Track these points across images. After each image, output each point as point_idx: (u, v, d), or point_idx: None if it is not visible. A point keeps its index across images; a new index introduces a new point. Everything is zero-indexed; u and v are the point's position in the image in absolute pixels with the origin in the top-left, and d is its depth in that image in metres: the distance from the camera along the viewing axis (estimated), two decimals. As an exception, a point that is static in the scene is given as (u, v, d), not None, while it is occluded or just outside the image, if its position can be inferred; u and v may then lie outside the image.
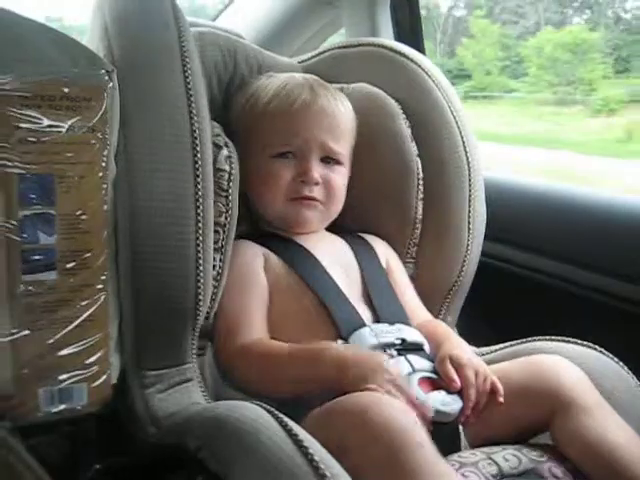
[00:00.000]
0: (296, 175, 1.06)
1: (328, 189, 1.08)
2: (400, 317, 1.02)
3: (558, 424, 0.88)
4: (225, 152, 0.97)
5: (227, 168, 0.97)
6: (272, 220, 1.10)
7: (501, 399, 0.90)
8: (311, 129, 1.07)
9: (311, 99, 1.07)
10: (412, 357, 0.94)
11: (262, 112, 1.08)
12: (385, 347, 0.94)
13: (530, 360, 0.97)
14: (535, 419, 0.91)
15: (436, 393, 0.90)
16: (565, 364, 0.94)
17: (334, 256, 1.08)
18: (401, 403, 0.82)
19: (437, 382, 0.92)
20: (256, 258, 1.03)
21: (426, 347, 0.98)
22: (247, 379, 0.95)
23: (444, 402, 0.89)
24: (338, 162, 1.10)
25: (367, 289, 1.06)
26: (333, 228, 1.16)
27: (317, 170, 1.07)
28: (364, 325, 0.97)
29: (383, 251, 1.16)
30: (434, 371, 0.94)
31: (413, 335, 0.98)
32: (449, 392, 0.91)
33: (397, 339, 0.95)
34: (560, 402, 0.88)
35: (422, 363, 0.94)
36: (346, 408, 0.80)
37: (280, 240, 1.08)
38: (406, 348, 0.95)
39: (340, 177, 1.11)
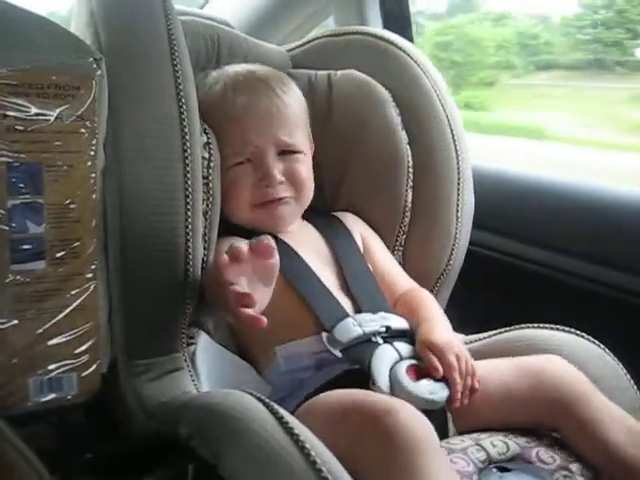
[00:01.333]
0: (257, 180, 1.03)
1: (294, 182, 1.05)
2: (381, 305, 1.02)
3: (566, 428, 0.88)
4: (204, 138, 0.95)
5: (206, 155, 0.95)
6: (244, 225, 1.06)
7: (477, 385, 0.90)
8: (260, 133, 1.03)
9: (252, 101, 1.04)
10: (398, 344, 0.94)
11: (211, 119, 1.01)
12: (371, 335, 0.94)
13: (527, 367, 0.94)
14: (534, 422, 0.91)
15: (424, 381, 0.90)
16: (564, 370, 0.92)
17: (310, 246, 1.07)
18: (414, 409, 0.79)
19: (425, 369, 0.92)
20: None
21: (409, 333, 0.98)
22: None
23: (432, 390, 0.89)
24: (296, 152, 1.07)
25: (345, 278, 1.04)
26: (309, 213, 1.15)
27: (277, 168, 1.03)
28: (347, 316, 0.96)
29: (358, 229, 1.15)
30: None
31: (398, 322, 0.98)
32: (436, 379, 0.91)
33: (382, 327, 0.95)
34: (564, 411, 0.88)
35: (409, 350, 0.94)
36: (363, 410, 0.78)
37: (257, 235, 1.05)
38: (392, 335, 0.95)
39: (303, 166, 1.07)
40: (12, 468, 0.52)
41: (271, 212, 1.05)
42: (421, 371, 0.91)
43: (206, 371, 1.00)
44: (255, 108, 1.03)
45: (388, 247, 1.17)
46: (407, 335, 0.97)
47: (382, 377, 0.89)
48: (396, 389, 0.88)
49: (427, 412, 0.87)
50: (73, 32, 0.85)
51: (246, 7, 1.68)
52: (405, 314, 1.01)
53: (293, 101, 1.09)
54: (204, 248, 0.94)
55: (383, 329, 0.95)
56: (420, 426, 0.75)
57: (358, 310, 0.99)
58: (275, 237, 1.05)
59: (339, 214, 1.17)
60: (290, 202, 1.06)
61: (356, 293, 1.02)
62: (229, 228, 1.04)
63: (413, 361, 0.92)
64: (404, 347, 0.94)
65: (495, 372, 0.94)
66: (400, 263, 1.19)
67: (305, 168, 1.08)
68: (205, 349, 1.02)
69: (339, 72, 1.22)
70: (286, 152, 1.06)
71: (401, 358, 0.92)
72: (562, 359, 0.94)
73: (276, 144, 1.04)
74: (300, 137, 1.08)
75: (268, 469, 0.68)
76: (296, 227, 1.11)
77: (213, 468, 0.72)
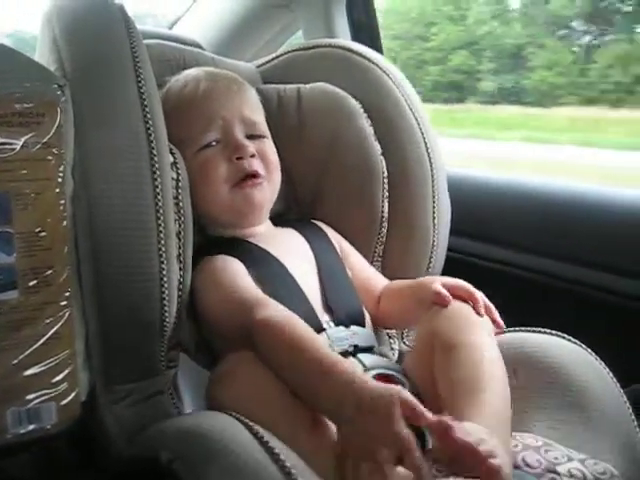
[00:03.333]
0: (229, 156, 1.03)
1: (265, 161, 1.07)
2: (355, 317, 1.02)
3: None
4: (171, 159, 0.93)
5: (174, 175, 0.93)
6: (221, 215, 1.06)
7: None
8: (225, 106, 1.06)
9: (213, 84, 1.07)
10: (363, 356, 0.94)
11: (171, 112, 1.01)
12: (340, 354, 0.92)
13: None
14: None
15: None
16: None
17: (292, 251, 1.06)
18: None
19: (393, 378, 0.92)
20: (237, 266, 1.00)
21: (376, 349, 1.00)
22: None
23: None
24: (263, 136, 1.09)
25: (324, 286, 1.04)
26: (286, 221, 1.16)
27: (248, 143, 1.05)
28: (322, 330, 0.96)
29: (333, 234, 1.15)
30: (389, 367, 0.95)
31: (366, 340, 0.98)
32: (404, 386, 0.91)
33: (350, 346, 0.96)
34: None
35: (375, 360, 0.95)
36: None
37: (239, 245, 1.05)
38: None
39: (270, 148, 1.09)
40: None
41: (246, 194, 1.04)
42: (390, 380, 0.91)
43: (189, 393, 1.00)
44: (216, 86, 1.07)
45: (366, 258, 1.17)
46: (373, 349, 0.98)
47: None
48: None
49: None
50: (37, 59, 0.84)
51: (215, 25, 1.69)
52: (394, 305, 1.06)
53: (251, 92, 1.13)
54: (180, 269, 0.93)
55: (351, 349, 0.96)
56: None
57: (334, 320, 1.00)
58: (246, 242, 1.06)
59: (318, 222, 1.17)
60: (263, 184, 1.06)
61: (334, 304, 1.02)
62: (207, 244, 1.04)
63: (381, 370, 0.92)
64: (369, 358, 0.94)
65: None
66: (379, 273, 1.19)
67: (272, 151, 1.10)
68: (187, 371, 1.01)
69: (308, 85, 1.22)
70: (253, 136, 1.07)
71: (366, 369, 0.92)
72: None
73: (242, 120, 1.06)
74: (262, 121, 1.11)
75: (249, 489, 0.68)
76: (273, 233, 1.11)
77: (196, 492, 0.72)
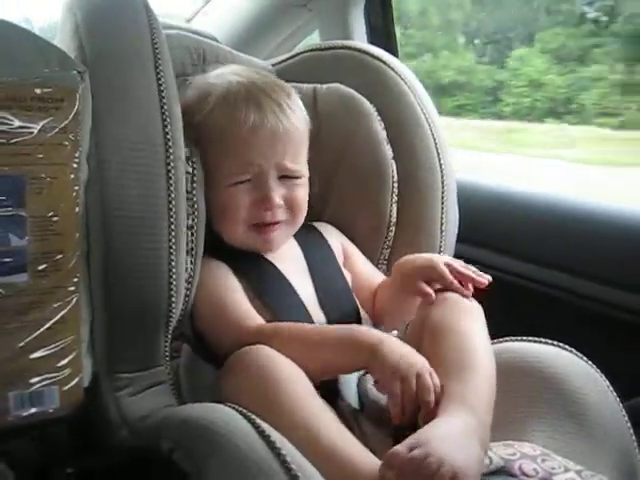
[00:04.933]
0: (255, 201, 1.01)
1: (291, 207, 1.04)
2: (350, 316, 1.04)
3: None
4: (187, 153, 0.94)
5: (190, 169, 0.94)
6: (235, 245, 1.05)
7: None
8: (265, 155, 1.00)
9: (259, 121, 0.99)
10: None
11: (207, 137, 1.00)
12: None
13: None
14: None
15: None
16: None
17: (292, 261, 1.07)
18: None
19: None
20: (229, 275, 1.01)
21: None
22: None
23: None
24: (297, 176, 1.05)
25: (317, 288, 1.05)
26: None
27: (277, 192, 1.01)
28: None
29: (336, 238, 1.16)
30: None
31: None
32: None
33: None
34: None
35: None
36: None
37: (242, 256, 1.04)
38: None
39: (301, 189, 1.06)
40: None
41: (264, 236, 1.03)
42: None
43: (190, 384, 1.00)
44: (262, 127, 0.99)
45: (372, 261, 1.18)
46: None
47: (350, 392, 0.90)
48: (365, 403, 0.89)
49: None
50: (57, 44, 0.84)
51: (232, 22, 1.69)
52: (386, 301, 1.07)
53: (298, 121, 1.05)
54: (190, 262, 0.94)
55: None
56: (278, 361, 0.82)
57: (328, 319, 1.01)
58: (257, 255, 1.05)
59: (316, 224, 1.17)
60: (283, 226, 1.04)
61: (326, 303, 1.04)
62: (217, 247, 1.03)
63: None
64: None
65: None
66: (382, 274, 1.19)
67: (304, 192, 1.07)
68: (189, 362, 1.02)
69: (325, 86, 1.22)
70: (288, 177, 1.03)
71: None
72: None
73: (278, 169, 1.02)
74: (302, 160, 1.06)
75: (250, 483, 0.68)
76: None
77: (194, 481, 0.72)
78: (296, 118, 1.04)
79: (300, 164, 1.05)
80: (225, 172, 1.00)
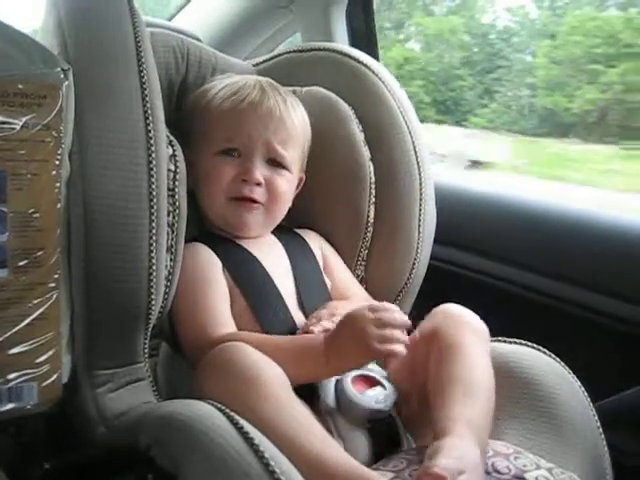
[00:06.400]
0: (238, 174, 1.05)
1: (271, 191, 1.07)
2: None
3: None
4: (170, 151, 0.95)
5: (172, 167, 0.95)
6: (214, 220, 1.09)
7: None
8: (256, 128, 1.06)
9: (259, 100, 1.07)
10: None
11: (209, 109, 1.08)
12: None
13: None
14: None
15: (370, 391, 0.92)
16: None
17: (275, 259, 1.09)
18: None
19: (371, 379, 0.94)
20: (212, 259, 1.03)
21: None
22: None
23: (378, 400, 0.91)
24: (284, 166, 1.09)
25: (298, 287, 1.07)
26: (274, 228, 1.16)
27: (260, 171, 1.06)
28: (295, 327, 1.00)
29: (317, 243, 1.17)
30: (367, 367, 0.96)
31: None
32: (384, 387, 0.93)
33: None
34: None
35: None
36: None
37: (224, 243, 1.07)
38: None
39: (285, 181, 1.09)
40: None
41: (239, 213, 1.06)
42: (368, 381, 0.93)
43: (166, 380, 1.00)
44: (260, 104, 1.06)
45: (350, 261, 1.19)
46: None
47: (328, 391, 0.91)
48: (342, 402, 0.90)
49: (375, 422, 0.89)
50: (40, 41, 0.84)
51: (214, 22, 1.69)
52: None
53: (298, 118, 1.12)
54: (170, 260, 0.95)
55: None
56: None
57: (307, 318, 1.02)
58: (235, 243, 1.08)
59: (300, 231, 1.18)
60: (260, 210, 1.07)
61: (306, 302, 1.05)
62: (201, 234, 1.07)
63: (358, 371, 0.93)
64: None
65: None
66: (362, 277, 1.21)
67: (286, 185, 1.10)
68: (166, 359, 1.02)
69: (304, 89, 1.23)
70: (274, 163, 1.08)
71: None
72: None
73: (266, 147, 1.06)
74: (292, 153, 1.10)
75: (228, 479, 0.69)
76: (266, 240, 1.12)
77: (173, 478, 0.73)
78: (295, 116, 1.10)
79: (288, 154, 1.09)
80: (215, 138, 1.06)
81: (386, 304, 0.89)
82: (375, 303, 0.90)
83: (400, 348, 0.85)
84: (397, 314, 0.87)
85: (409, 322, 0.87)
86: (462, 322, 0.96)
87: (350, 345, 0.86)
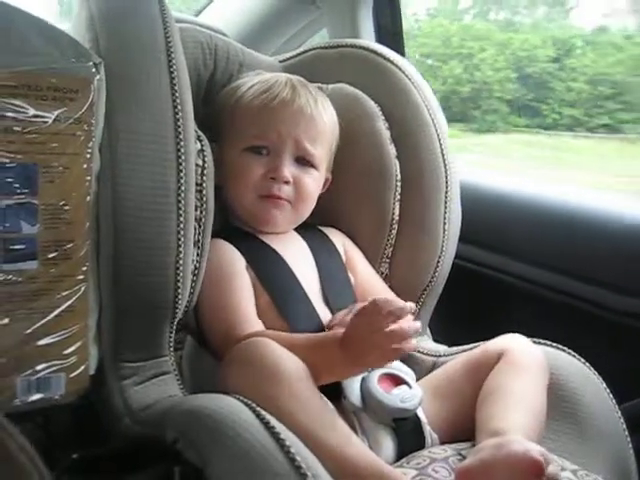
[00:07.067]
0: (267, 172, 1.05)
1: (298, 190, 1.08)
2: None
3: None
4: (198, 146, 0.96)
5: (200, 162, 0.96)
6: (241, 215, 1.10)
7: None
8: (287, 126, 1.06)
9: (291, 98, 1.07)
10: None
11: (239, 106, 1.08)
12: None
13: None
14: None
15: (396, 390, 0.92)
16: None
17: (299, 256, 1.09)
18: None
19: (397, 378, 0.94)
20: (236, 255, 1.04)
21: None
22: None
23: (404, 398, 0.91)
24: (312, 165, 1.09)
25: (323, 284, 1.07)
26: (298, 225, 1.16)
27: (289, 169, 1.06)
28: (321, 323, 1.00)
29: (340, 240, 1.17)
30: (393, 366, 0.96)
31: None
32: (410, 386, 0.93)
33: None
34: None
35: None
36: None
37: (248, 239, 1.08)
38: None
39: (312, 180, 1.10)
40: (13, 463, 0.52)
41: (267, 209, 1.07)
42: (394, 380, 0.93)
43: (191, 373, 1.01)
44: (292, 103, 1.07)
45: (374, 259, 1.19)
46: None
47: (353, 390, 0.91)
48: (367, 401, 0.90)
49: (401, 421, 0.89)
50: (72, 34, 0.85)
51: (240, 17, 1.69)
52: None
53: (327, 116, 1.12)
54: (197, 254, 0.95)
55: None
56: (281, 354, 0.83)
57: (333, 314, 1.02)
58: (259, 239, 1.08)
59: (324, 228, 1.18)
60: (286, 207, 1.08)
61: (331, 299, 1.05)
62: (225, 230, 1.07)
63: (383, 370, 0.93)
64: None
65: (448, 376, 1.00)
66: (386, 274, 1.20)
67: (314, 184, 1.10)
68: (191, 353, 1.03)
69: (330, 86, 1.23)
70: (303, 161, 1.08)
71: (371, 369, 0.93)
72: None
73: (296, 146, 1.07)
74: (321, 151, 1.11)
75: (254, 474, 0.69)
76: (289, 236, 1.12)
77: (200, 471, 0.73)
78: (325, 114, 1.11)
79: (317, 152, 1.09)
80: (245, 135, 1.07)
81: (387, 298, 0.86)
82: (379, 299, 0.85)
83: (410, 344, 0.83)
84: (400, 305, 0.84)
85: (413, 306, 0.84)
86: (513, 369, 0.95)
87: (363, 347, 0.84)
